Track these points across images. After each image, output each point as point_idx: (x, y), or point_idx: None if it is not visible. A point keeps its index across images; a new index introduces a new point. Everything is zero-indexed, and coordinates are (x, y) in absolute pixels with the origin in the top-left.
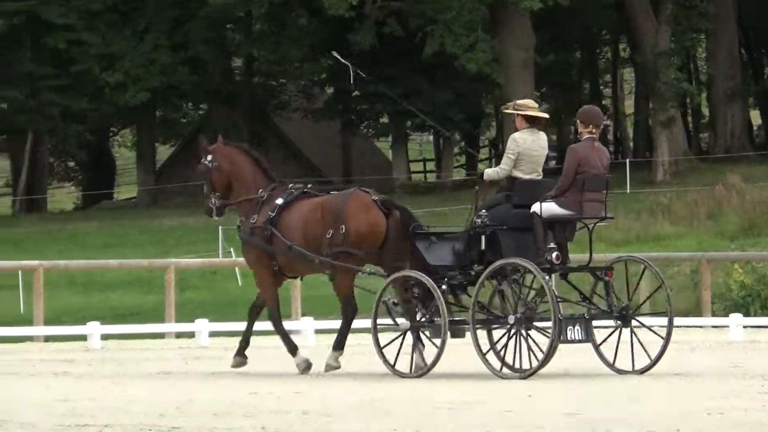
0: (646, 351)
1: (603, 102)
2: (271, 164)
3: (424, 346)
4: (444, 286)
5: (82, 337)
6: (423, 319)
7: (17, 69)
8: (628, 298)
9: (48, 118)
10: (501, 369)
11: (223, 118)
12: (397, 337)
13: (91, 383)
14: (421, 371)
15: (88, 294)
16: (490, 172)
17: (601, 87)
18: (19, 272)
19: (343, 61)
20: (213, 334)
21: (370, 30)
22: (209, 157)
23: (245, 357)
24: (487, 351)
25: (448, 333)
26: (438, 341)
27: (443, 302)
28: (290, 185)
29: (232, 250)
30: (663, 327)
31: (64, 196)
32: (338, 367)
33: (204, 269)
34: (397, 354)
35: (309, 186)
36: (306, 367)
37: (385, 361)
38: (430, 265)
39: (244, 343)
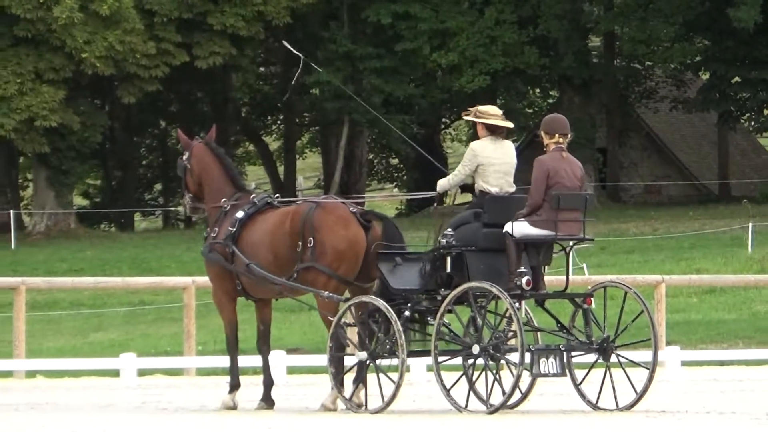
0: (631, 383)
1: None
2: (632, 162)
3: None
4: (407, 312)
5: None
6: (382, 349)
7: (332, 49)
8: (601, 328)
9: (368, 106)
10: (466, 406)
11: (576, 107)
12: (351, 368)
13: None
14: (360, 409)
15: None
16: (442, 182)
17: None
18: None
19: (294, 51)
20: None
21: (755, 5)
22: (186, 155)
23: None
24: (452, 387)
25: (407, 366)
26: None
27: (401, 332)
28: (252, 196)
29: (585, 266)
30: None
31: (384, 200)
32: (334, 410)
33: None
34: (356, 385)
35: (276, 196)
36: (228, 408)
37: (341, 395)
38: (394, 288)
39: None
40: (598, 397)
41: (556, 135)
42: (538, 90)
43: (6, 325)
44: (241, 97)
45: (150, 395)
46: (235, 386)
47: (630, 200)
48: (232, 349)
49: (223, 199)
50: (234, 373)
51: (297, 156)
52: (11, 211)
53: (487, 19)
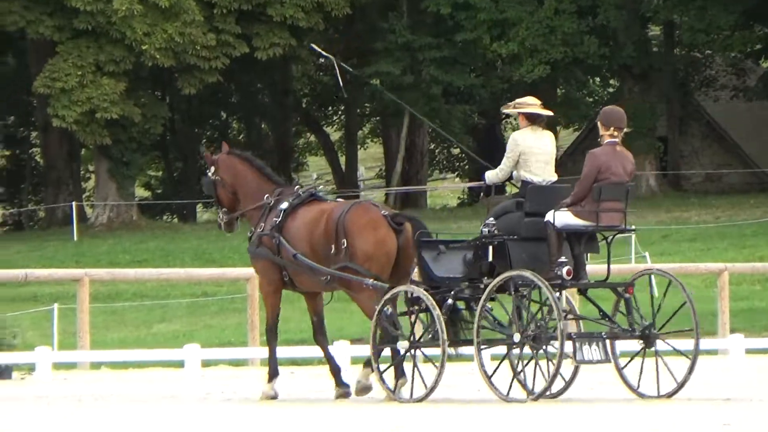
0: (671, 373)
1: None
2: (693, 151)
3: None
4: (450, 300)
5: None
6: (423, 338)
7: (392, 39)
8: (651, 315)
9: (428, 96)
10: (508, 394)
11: (637, 96)
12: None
13: None
14: (421, 396)
15: None
16: (490, 175)
17: None
18: None
19: (324, 54)
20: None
21: None
22: (212, 170)
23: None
24: (493, 374)
25: (447, 355)
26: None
27: (442, 321)
28: (296, 188)
29: (647, 254)
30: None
31: (446, 191)
32: (370, 387)
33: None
34: (397, 376)
35: (320, 187)
36: (269, 397)
37: (385, 385)
38: (437, 276)
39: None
40: (639, 382)
41: (612, 128)
42: (598, 79)
43: (70, 317)
44: (301, 88)
45: (214, 386)
46: (273, 375)
47: (691, 188)
48: (271, 338)
49: (266, 195)
50: (272, 362)
51: (358, 146)
52: (73, 203)
53: (547, 9)
